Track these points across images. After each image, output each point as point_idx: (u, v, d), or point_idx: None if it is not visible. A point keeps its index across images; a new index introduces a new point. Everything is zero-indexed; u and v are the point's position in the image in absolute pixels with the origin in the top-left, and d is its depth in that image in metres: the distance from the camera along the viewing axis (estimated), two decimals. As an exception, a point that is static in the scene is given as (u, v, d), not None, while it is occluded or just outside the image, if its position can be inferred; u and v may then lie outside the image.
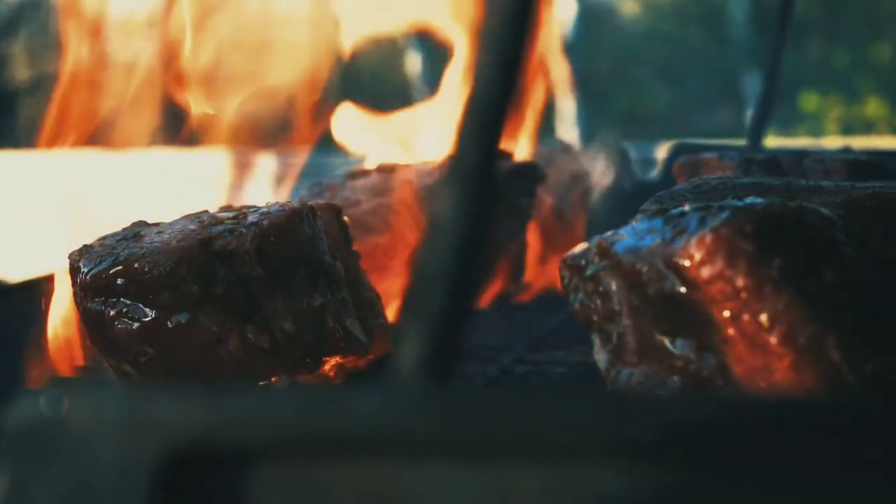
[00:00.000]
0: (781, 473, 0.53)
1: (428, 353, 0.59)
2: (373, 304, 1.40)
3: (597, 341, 1.05)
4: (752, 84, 8.64)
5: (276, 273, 1.27)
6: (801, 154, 1.56)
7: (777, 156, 1.55)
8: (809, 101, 8.52)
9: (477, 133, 0.59)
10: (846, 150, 1.75)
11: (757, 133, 2.19)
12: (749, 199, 1.03)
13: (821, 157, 1.53)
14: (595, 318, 1.04)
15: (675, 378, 1.00)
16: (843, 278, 1.01)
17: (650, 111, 9.50)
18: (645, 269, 1.00)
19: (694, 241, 0.97)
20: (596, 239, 1.05)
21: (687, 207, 1.04)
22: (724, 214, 0.98)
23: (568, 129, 8.55)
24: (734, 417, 0.58)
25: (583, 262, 1.05)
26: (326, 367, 1.32)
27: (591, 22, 9.42)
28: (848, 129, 8.14)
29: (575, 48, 8.87)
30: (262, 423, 0.58)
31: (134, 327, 1.25)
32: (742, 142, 2.39)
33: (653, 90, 9.71)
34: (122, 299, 1.25)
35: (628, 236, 1.03)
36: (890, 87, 8.58)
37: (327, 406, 0.57)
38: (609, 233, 1.05)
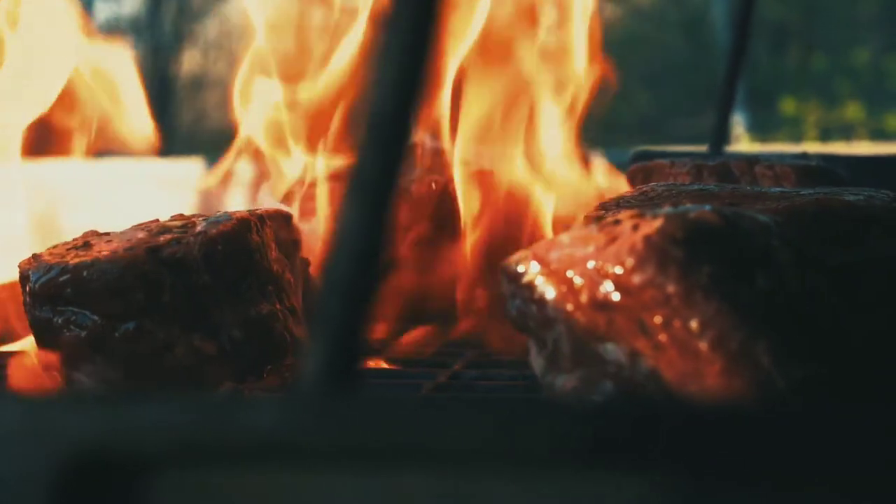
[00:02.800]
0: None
1: (328, 362, 0.60)
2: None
3: (533, 347, 1.06)
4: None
5: (225, 281, 1.28)
6: (752, 160, 1.57)
7: (728, 161, 1.57)
8: (788, 105, 8.55)
9: (376, 144, 0.60)
10: (802, 156, 1.76)
11: (718, 139, 2.20)
12: (683, 207, 1.05)
13: (771, 162, 1.54)
14: (531, 324, 1.05)
15: (609, 383, 1.01)
16: (776, 285, 1.02)
17: (632, 116, 9.52)
18: (579, 276, 1.01)
19: (626, 248, 0.99)
20: (533, 246, 1.06)
21: (622, 215, 1.05)
22: (657, 222, 1.00)
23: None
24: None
25: (520, 269, 1.06)
26: (275, 374, 1.33)
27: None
28: (826, 134, 8.17)
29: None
30: (160, 433, 0.58)
31: (82, 335, 1.26)
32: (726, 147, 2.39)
33: (634, 95, 9.73)
34: (70, 307, 1.26)
35: (564, 244, 1.04)
36: (868, 91, 8.61)
37: (223, 415, 0.58)
38: (545, 240, 1.06)
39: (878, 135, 8.18)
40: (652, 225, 0.99)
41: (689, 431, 0.55)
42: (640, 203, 1.29)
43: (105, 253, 1.26)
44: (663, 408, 0.59)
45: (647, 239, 0.98)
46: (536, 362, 1.05)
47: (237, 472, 0.57)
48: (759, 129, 8.16)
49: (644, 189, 1.35)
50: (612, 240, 1.00)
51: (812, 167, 1.52)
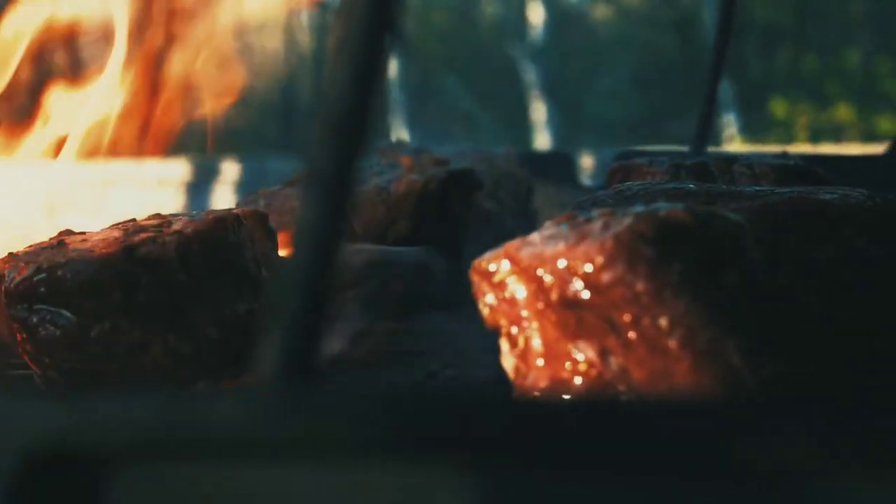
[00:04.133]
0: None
1: (285, 356, 0.60)
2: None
3: (504, 346, 1.06)
4: (725, 90, 8.68)
5: (201, 280, 1.28)
6: (730, 159, 1.57)
7: (706, 161, 1.57)
8: (779, 107, 8.55)
9: (332, 141, 0.60)
10: (783, 156, 1.76)
11: (700, 139, 2.20)
12: (654, 205, 1.05)
13: (749, 161, 1.54)
14: (503, 323, 1.05)
15: (579, 382, 1.01)
16: (747, 283, 1.02)
17: (622, 117, 9.53)
18: (549, 274, 1.01)
19: (595, 246, 0.99)
20: (504, 244, 1.06)
21: (594, 213, 1.05)
22: (627, 220, 1.00)
23: (539, 135, 8.57)
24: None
25: (491, 268, 1.06)
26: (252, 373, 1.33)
27: (563, 27, 9.45)
28: (817, 135, 8.17)
29: (546, 53, 8.89)
30: (120, 427, 0.58)
31: (57, 334, 1.26)
32: (713, 148, 2.41)
33: (625, 95, 9.74)
34: (45, 306, 1.26)
35: (535, 242, 1.04)
36: (859, 92, 8.62)
37: (184, 409, 0.58)
38: (517, 238, 1.06)
39: (869, 137, 8.19)
40: (622, 223, 1.00)
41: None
42: (616, 202, 1.29)
43: (80, 252, 1.26)
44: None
45: (617, 237, 0.98)
46: (507, 361, 1.05)
47: (196, 466, 0.58)
48: (750, 132, 8.16)
49: (619, 188, 1.35)
50: (583, 238, 1.00)
51: (791, 166, 1.52)
